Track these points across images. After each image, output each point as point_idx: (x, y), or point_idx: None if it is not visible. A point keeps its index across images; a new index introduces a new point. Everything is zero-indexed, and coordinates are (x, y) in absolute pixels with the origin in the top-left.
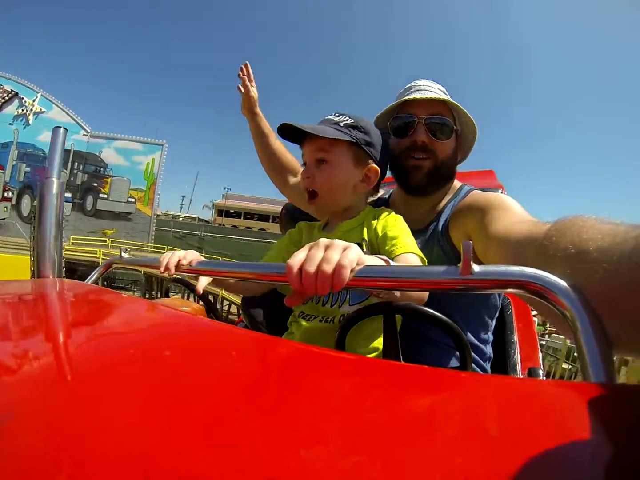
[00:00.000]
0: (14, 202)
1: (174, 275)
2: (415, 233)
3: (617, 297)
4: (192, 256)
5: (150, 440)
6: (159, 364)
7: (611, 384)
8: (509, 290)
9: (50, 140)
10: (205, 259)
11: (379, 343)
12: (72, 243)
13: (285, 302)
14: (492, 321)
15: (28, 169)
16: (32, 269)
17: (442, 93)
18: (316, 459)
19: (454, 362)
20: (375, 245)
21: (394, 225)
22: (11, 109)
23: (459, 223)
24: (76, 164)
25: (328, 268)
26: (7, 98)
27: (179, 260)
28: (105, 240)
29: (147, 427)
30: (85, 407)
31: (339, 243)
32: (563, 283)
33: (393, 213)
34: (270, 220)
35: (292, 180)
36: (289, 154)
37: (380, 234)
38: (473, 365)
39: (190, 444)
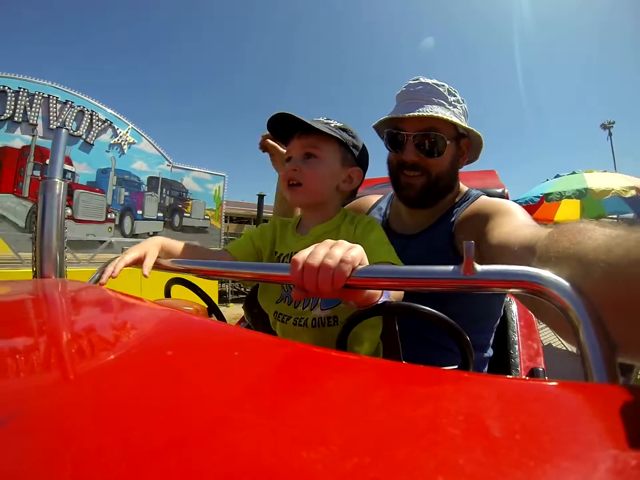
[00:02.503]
0: (116, 222)
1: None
2: (416, 235)
3: (615, 296)
4: (133, 255)
5: (152, 440)
6: (160, 363)
7: (614, 384)
8: (511, 290)
9: (52, 141)
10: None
11: (370, 342)
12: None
13: (292, 295)
14: (493, 329)
15: (127, 193)
16: (34, 269)
17: (437, 101)
18: (317, 459)
19: (454, 364)
20: None
21: (372, 233)
22: (106, 137)
23: (467, 229)
24: (164, 189)
25: (330, 262)
26: (102, 127)
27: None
28: None
29: (148, 427)
30: (87, 407)
31: (344, 242)
32: (565, 282)
33: (371, 219)
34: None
35: None
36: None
37: (360, 242)
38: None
39: (192, 444)
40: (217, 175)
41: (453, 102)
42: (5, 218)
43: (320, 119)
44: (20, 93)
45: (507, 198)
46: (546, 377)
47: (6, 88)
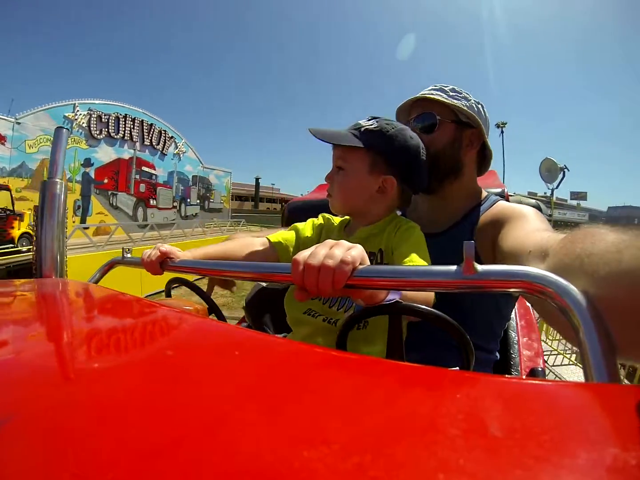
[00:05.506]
0: (178, 208)
1: (175, 275)
2: (436, 235)
3: (625, 300)
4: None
5: (153, 440)
6: (161, 363)
7: (614, 384)
8: (513, 290)
9: (52, 141)
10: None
11: (382, 342)
12: (213, 226)
13: (295, 295)
14: (501, 332)
15: (182, 188)
16: (35, 268)
17: (436, 92)
18: (318, 458)
19: (457, 361)
20: (391, 257)
21: (409, 239)
22: (172, 149)
23: (486, 233)
24: (200, 184)
25: (331, 263)
26: (170, 142)
27: (165, 258)
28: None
29: (149, 427)
30: (88, 407)
31: (344, 243)
32: (566, 283)
33: (413, 225)
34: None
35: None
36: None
37: (396, 247)
38: (479, 367)
39: (192, 444)
40: (226, 171)
41: (452, 95)
42: (121, 209)
43: (362, 120)
44: (127, 118)
45: (507, 198)
46: (546, 377)
47: (119, 114)
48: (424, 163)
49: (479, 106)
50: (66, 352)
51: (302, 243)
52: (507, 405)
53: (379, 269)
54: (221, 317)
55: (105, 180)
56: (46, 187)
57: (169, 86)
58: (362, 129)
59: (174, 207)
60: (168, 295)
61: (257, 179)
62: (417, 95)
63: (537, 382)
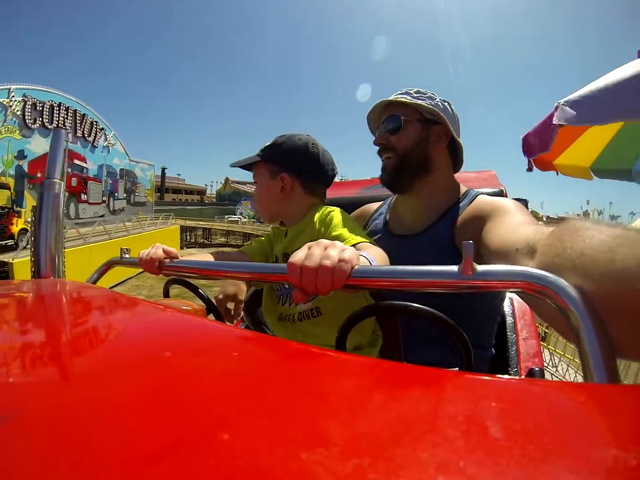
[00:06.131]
0: (107, 203)
1: (173, 276)
2: (417, 235)
3: (619, 297)
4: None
5: (151, 441)
6: (159, 364)
7: (614, 384)
8: (511, 290)
9: (50, 141)
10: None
11: (376, 338)
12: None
13: (294, 297)
14: (495, 326)
15: (110, 182)
16: (33, 269)
17: (401, 95)
18: (317, 460)
19: (456, 362)
20: None
21: (331, 225)
22: (102, 141)
23: (467, 229)
24: (125, 177)
25: (328, 263)
26: (100, 133)
27: (162, 258)
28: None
29: (147, 428)
30: (86, 408)
31: (338, 244)
32: (565, 282)
33: (332, 210)
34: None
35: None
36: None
37: (325, 234)
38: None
39: (190, 445)
40: (150, 164)
41: (416, 95)
42: None
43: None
44: (61, 107)
45: (506, 197)
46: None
47: (54, 103)
48: (316, 156)
49: (445, 104)
50: (64, 352)
51: (263, 250)
52: (506, 405)
53: (377, 268)
54: (219, 318)
55: (39, 174)
56: (45, 187)
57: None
58: (263, 147)
59: (103, 201)
60: (166, 295)
61: (163, 170)
62: (382, 100)
63: (536, 382)
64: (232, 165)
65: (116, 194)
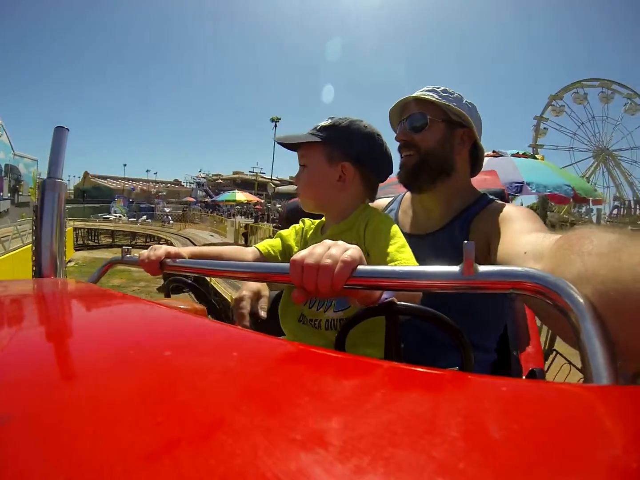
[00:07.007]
0: None
1: (176, 276)
2: (429, 235)
3: (623, 301)
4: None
5: (151, 441)
6: (159, 364)
7: (614, 386)
8: (512, 290)
9: (52, 140)
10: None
11: (379, 339)
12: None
13: (293, 296)
14: (500, 329)
15: None
16: (34, 268)
17: (427, 93)
18: (316, 461)
19: (456, 362)
20: (365, 253)
21: (384, 234)
22: None
23: (479, 233)
24: (9, 174)
25: (329, 262)
26: None
27: (164, 257)
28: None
29: (147, 427)
30: (85, 408)
31: (342, 243)
32: (566, 283)
33: (382, 219)
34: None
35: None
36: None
37: (370, 247)
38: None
39: (189, 445)
40: (34, 159)
41: (444, 95)
42: None
43: (322, 121)
44: None
45: (507, 198)
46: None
47: None
48: (382, 148)
49: (471, 107)
50: (64, 352)
51: (287, 248)
52: (506, 406)
53: (378, 269)
54: (220, 318)
55: None
56: (47, 186)
57: None
58: (318, 127)
59: None
60: (167, 295)
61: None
62: (408, 96)
63: (536, 383)
64: (279, 141)
65: (1, 194)
